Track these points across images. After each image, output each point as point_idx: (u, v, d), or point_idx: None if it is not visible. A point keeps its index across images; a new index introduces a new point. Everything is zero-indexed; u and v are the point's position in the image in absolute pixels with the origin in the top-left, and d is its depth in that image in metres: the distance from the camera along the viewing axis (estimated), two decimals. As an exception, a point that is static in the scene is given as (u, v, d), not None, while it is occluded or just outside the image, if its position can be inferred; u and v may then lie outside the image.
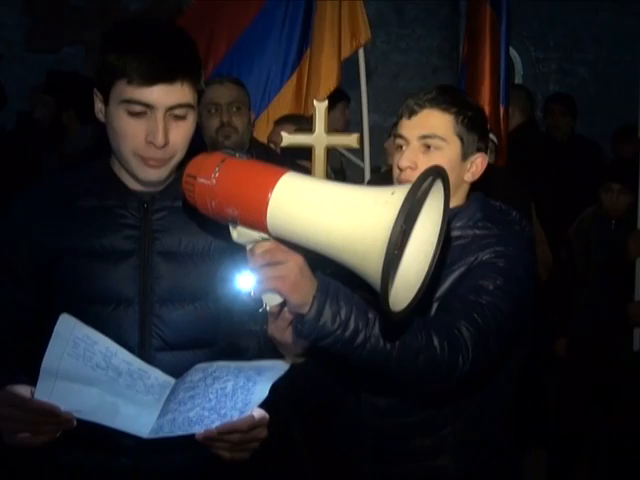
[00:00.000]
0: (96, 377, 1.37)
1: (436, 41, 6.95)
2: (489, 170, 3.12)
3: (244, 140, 2.89)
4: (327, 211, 1.15)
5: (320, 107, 2.30)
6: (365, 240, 1.08)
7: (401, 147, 1.67)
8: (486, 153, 1.72)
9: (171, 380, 1.44)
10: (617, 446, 3.53)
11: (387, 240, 1.04)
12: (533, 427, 3.84)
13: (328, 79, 3.41)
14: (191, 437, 1.34)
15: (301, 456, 1.71)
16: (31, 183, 1.66)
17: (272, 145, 3.20)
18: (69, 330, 1.37)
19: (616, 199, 3.50)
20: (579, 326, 3.60)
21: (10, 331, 1.57)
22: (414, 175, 1.60)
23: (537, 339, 3.10)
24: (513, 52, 7.03)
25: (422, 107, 1.64)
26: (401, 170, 1.63)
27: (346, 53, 3.43)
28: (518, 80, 7.22)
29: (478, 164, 1.69)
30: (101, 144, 1.59)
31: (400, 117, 1.68)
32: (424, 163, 1.60)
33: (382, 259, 1.04)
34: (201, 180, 1.26)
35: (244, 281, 1.48)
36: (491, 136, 3.42)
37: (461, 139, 1.64)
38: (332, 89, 3.42)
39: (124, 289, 1.53)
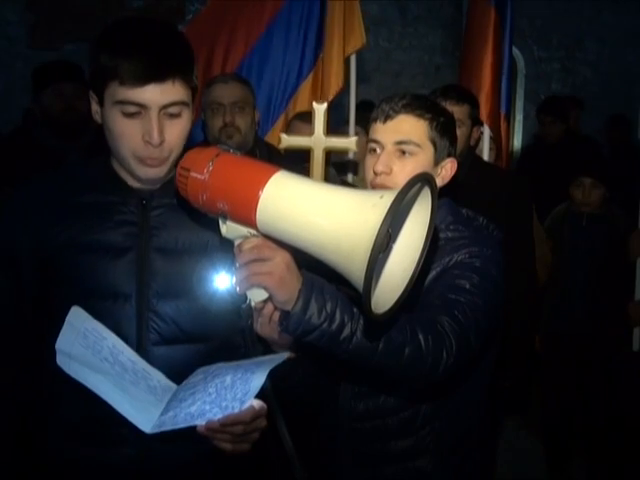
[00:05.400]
0: (104, 369, 1.39)
1: (439, 39, 6.95)
2: (491, 171, 3.15)
3: (247, 140, 2.88)
4: (315, 211, 1.15)
5: (319, 109, 2.29)
6: (351, 241, 1.09)
7: (375, 151, 1.68)
8: (455, 158, 1.74)
9: (173, 385, 1.46)
10: (607, 437, 3.57)
11: (372, 241, 1.05)
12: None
13: (334, 81, 3.41)
14: (193, 428, 1.35)
15: (290, 455, 1.72)
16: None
17: None
18: (80, 322, 1.40)
19: (588, 193, 3.50)
20: (554, 321, 3.62)
21: (14, 324, 1.59)
22: (389, 179, 1.63)
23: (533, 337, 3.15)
24: (516, 51, 7.03)
25: (397, 112, 1.66)
26: (376, 174, 1.65)
27: (347, 53, 3.44)
28: (520, 79, 7.23)
29: (448, 169, 1.72)
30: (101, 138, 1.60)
31: (374, 121, 1.69)
32: (399, 168, 1.64)
33: (366, 260, 1.05)
34: (194, 174, 1.27)
35: (224, 278, 1.50)
36: (490, 134, 3.43)
37: (434, 144, 1.67)
38: (337, 91, 3.42)
39: (121, 284, 1.54)
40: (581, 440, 3.77)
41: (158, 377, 1.46)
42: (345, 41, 3.39)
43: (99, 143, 1.63)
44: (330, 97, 3.31)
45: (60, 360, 1.35)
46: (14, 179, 1.88)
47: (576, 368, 3.58)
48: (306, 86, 3.59)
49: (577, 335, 3.52)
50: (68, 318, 1.38)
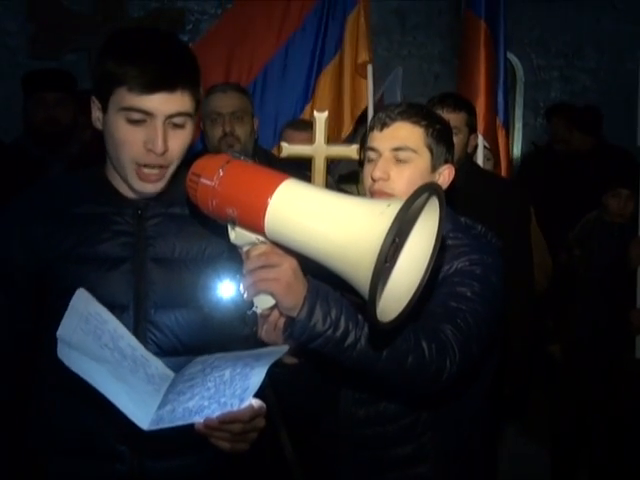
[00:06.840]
0: (104, 356, 1.38)
1: (437, 48, 6.96)
2: (489, 179, 3.15)
3: (247, 149, 2.92)
4: (323, 219, 1.17)
5: (320, 117, 2.31)
6: (357, 249, 1.11)
7: (373, 159, 1.71)
8: (453, 164, 1.76)
9: (170, 373, 1.45)
10: (615, 446, 3.55)
11: (378, 250, 1.06)
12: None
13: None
14: (185, 443, 1.34)
15: (290, 461, 1.71)
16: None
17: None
18: (83, 305, 1.39)
19: (624, 205, 3.51)
20: (578, 330, 3.61)
21: (10, 343, 1.60)
22: (386, 185, 1.66)
23: (532, 344, 3.14)
24: (514, 59, 7.05)
25: (393, 120, 1.69)
26: (374, 181, 1.68)
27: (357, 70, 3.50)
28: (520, 87, 7.24)
29: (445, 175, 1.74)
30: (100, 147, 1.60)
31: (371, 130, 1.72)
32: (396, 174, 1.66)
33: (372, 268, 1.06)
34: (204, 180, 1.29)
35: (231, 286, 1.50)
36: (486, 144, 3.44)
37: (431, 151, 1.69)
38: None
39: (118, 295, 1.54)
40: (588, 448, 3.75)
41: (156, 364, 1.45)
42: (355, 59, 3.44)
43: (85, 155, 1.63)
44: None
45: (60, 350, 1.34)
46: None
47: (597, 377, 3.55)
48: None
49: (600, 343, 3.50)
50: (72, 301, 1.37)
